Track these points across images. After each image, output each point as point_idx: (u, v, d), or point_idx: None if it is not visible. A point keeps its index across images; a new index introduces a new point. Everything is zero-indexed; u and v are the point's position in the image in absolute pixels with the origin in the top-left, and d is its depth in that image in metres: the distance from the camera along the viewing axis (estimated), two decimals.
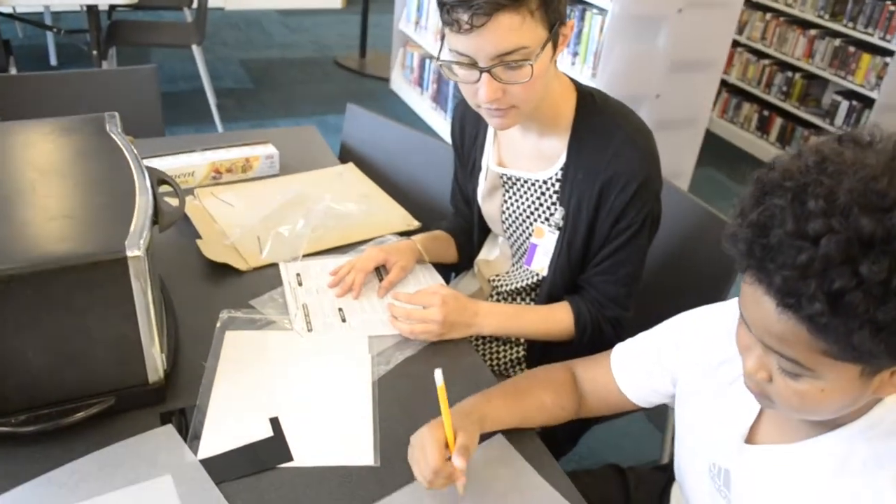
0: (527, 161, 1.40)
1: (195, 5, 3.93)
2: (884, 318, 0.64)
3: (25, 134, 1.23)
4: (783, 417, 0.90)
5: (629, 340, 1.17)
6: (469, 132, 1.51)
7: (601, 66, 3.08)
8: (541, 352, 1.48)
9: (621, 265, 1.35)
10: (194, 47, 3.81)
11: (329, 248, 1.52)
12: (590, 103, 1.31)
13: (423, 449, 0.98)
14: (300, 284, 1.41)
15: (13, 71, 3.53)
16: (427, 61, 4.51)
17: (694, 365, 1.04)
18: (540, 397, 1.15)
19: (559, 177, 1.35)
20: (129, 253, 0.96)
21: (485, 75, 1.15)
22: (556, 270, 1.40)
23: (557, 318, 1.38)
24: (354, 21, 5.77)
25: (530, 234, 1.43)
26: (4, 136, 1.21)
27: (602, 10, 3.06)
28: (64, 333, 0.99)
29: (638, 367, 1.13)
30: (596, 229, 1.33)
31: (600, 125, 1.29)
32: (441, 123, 4.36)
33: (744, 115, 4.74)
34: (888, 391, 0.76)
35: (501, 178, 1.44)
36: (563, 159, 1.33)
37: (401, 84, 4.91)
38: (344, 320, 1.33)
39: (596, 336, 1.38)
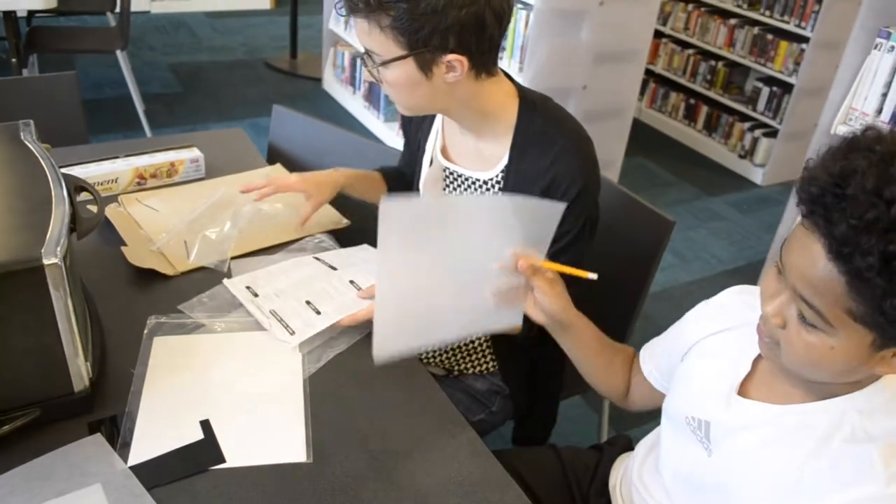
0: (468, 159, 1.42)
1: (118, 9, 3.85)
2: None
3: None
4: (777, 379, 0.94)
5: (653, 340, 1.25)
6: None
7: (528, 59, 3.13)
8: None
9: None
10: (119, 53, 3.73)
11: (258, 250, 1.52)
12: (531, 110, 1.34)
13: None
14: (256, 295, 1.37)
15: None
16: (358, 60, 4.49)
17: (703, 328, 1.09)
18: (613, 357, 1.27)
19: (499, 178, 1.37)
20: (45, 261, 0.95)
21: (365, 56, 1.30)
22: None
23: None
24: (284, 22, 5.72)
25: None
26: None
27: (527, 5, 3.10)
28: None
29: (658, 361, 1.21)
30: None
31: (542, 131, 1.32)
32: (374, 122, 4.36)
33: (671, 105, 4.86)
34: (886, 370, 0.81)
35: (445, 171, 1.46)
36: (504, 162, 1.36)
37: (333, 84, 4.89)
38: (318, 312, 1.32)
39: (543, 330, 1.40)
